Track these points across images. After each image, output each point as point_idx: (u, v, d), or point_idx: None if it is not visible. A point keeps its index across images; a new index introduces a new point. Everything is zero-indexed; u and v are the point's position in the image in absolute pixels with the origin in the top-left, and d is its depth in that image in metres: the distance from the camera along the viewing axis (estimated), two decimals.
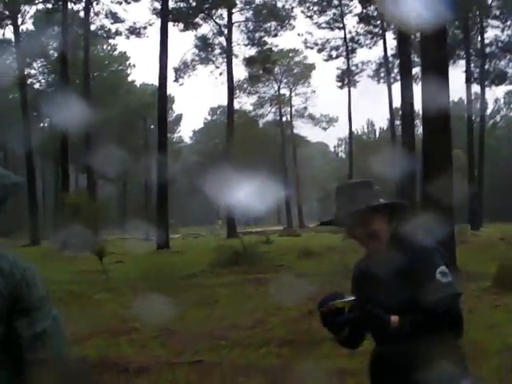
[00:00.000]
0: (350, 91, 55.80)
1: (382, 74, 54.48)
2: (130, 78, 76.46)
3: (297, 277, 13.69)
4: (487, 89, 59.13)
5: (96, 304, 12.82)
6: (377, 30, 53.50)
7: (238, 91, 67.20)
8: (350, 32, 55.71)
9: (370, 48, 56.17)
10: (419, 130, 35.44)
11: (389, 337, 2.72)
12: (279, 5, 52.64)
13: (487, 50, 54.65)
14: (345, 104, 57.88)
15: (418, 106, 28.93)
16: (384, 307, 2.73)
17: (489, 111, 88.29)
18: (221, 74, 52.67)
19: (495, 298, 12.08)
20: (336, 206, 2.94)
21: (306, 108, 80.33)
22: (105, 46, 69.94)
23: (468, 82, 51.77)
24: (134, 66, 73.24)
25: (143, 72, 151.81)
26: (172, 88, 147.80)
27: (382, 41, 53.00)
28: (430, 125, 16.68)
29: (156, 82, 37.29)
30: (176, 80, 50.80)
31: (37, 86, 66.34)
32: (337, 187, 2.98)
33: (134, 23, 48.64)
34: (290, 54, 74.26)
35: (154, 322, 10.37)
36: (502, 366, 7.01)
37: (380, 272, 2.84)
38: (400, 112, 35.49)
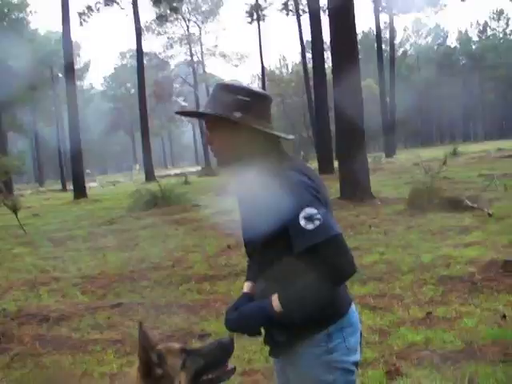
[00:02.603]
0: (259, 26, 55.43)
1: (291, 7, 54.06)
2: (32, 26, 73.64)
3: (215, 215, 13.75)
4: (396, 17, 59.89)
5: (14, 258, 12.54)
6: None
7: (146, 33, 65.87)
8: None
9: None
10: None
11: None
12: None
13: None
14: (256, 40, 57.24)
15: (327, 37, 29.17)
16: (248, 245, 2.54)
17: (398, 40, 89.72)
18: (127, 15, 51.26)
19: (409, 219, 12.52)
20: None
21: (216, 46, 79.83)
22: None
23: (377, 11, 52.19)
24: (35, 12, 70.50)
25: (47, 19, 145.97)
26: (78, 34, 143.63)
27: None
28: (338, 54, 16.80)
29: (60, 29, 35.92)
30: (81, 24, 48.90)
31: None
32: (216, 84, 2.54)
33: None
34: None
35: (73, 271, 10.29)
36: (415, 283, 7.29)
37: (244, 200, 2.55)
38: (311, 45, 35.46)
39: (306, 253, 2.19)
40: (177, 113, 2.79)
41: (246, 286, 2.69)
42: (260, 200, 2.31)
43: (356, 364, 2.41)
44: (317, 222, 2.18)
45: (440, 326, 5.66)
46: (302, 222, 2.18)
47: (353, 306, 2.48)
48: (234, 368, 2.47)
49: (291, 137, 2.64)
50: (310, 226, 2.18)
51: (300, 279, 2.22)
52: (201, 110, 2.49)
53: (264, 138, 2.42)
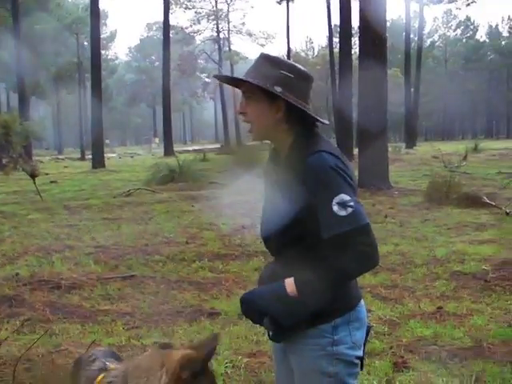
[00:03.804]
0: (288, 6, 54.95)
1: None
2: None
3: (231, 194, 13.73)
4: (426, 7, 59.28)
5: (29, 224, 12.61)
6: None
7: (174, 6, 65.51)
8: None
9: None
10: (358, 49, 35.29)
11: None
12: None
13: None
14: (283, 21, 56.83)
15: (355, 23, 28.95)
16: (270, 226, 2.39)
17: (427, 30, 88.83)
18: None
19: (425, 212, 12.51)
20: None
21: (243, 24, 79.18)
22: None
23: None
24: None
25: None
26: (106, 2, 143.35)
27: None
28: (366, 40, 16.67)
29: None
30: None
31: None
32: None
33: None
34: None
35: (87, 240, 10.34)
36: (427, 276, 7.28)
37: (274, 180, 2.46)
38: (338, 29, 35.15)
39: (331, 239, 2.18)
40: (215, 76, 2.71)
41: None
42: (292, 181, 2.29)
43: (360, 358, 2.39)
44: (349, 209, 2.17)
45: (450, 322, 5.65)
46: (335, 208, 2.17)
47: (362, 302, 2.46)
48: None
49: (327, 122, 2.58)
50: (342, 213, 2.17)
51: (321, 265, 2.19)
52: (242, 76, 2.39)
53: (301, 118, 2.37)
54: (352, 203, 2.18)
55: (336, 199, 2.17)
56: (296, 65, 2.42)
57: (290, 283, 2.21)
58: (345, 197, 2.18)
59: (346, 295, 2.36)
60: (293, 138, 2.38)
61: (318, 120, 2.41)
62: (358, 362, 2.38)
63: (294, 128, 2.38)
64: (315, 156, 2.25)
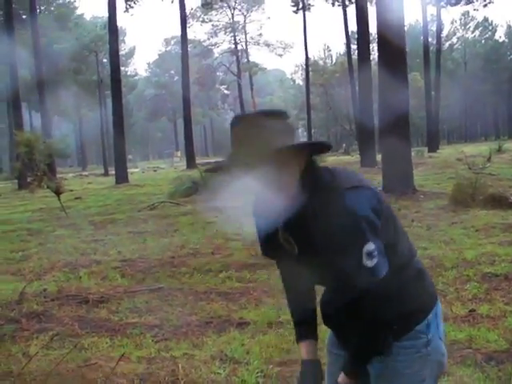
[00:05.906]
0: (304, 15, 55.00)
1: None
2: (78, 11, 74.57)
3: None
4: (443, 9, 58.99)
5: (55, 240, 12.68)
6: None
7: (191, 20, 66.00)
8: None
9: None
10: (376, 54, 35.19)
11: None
12: None
13: None
14: (300, 30, 56.87)
15: (373, 29, 28.87)
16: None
17: (445, 33, 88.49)
18: (172, 1, 51.28)
19: (452, 215, 12.33)
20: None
21: (261, 35, 79.54)
22: None
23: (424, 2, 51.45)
24: None
25: (92, 4, 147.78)
26: (123, 20, 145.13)
27: None
28: (385, 47, 16.54)
29: (106, 15, 36.19)
30: (126, 10, 49.06)
31: None
32: (232, 119, 2.12)
33: None
34: None
35: (113, 254, 10.36)
36: (458, 279, 7.16)
37: (293, 227, 2.19)
38: (356, 35, 35.10)
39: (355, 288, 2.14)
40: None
41: (305, 349, 2.47)
42: (326, 230, 2.09)
43: (444, 355, 2.34)
44: (374, 260, 2.07)
45: (484, 325, 5.53)
46: (365, 259, 2.06)
47: None
48: None
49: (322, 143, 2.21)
50: (369, 263, 2.07)
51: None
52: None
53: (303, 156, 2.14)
54: (376, 253, 2.07)
55: (365, 249, 2.05)
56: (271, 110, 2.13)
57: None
58: (371, 246, 2.06)
59: (430, 286, 2.37)
60: (307, 180, 2.14)
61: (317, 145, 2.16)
62: (445, 360, 2.34)
63: (302, 168, 2.15)
64: (345, 202, 2.07)
